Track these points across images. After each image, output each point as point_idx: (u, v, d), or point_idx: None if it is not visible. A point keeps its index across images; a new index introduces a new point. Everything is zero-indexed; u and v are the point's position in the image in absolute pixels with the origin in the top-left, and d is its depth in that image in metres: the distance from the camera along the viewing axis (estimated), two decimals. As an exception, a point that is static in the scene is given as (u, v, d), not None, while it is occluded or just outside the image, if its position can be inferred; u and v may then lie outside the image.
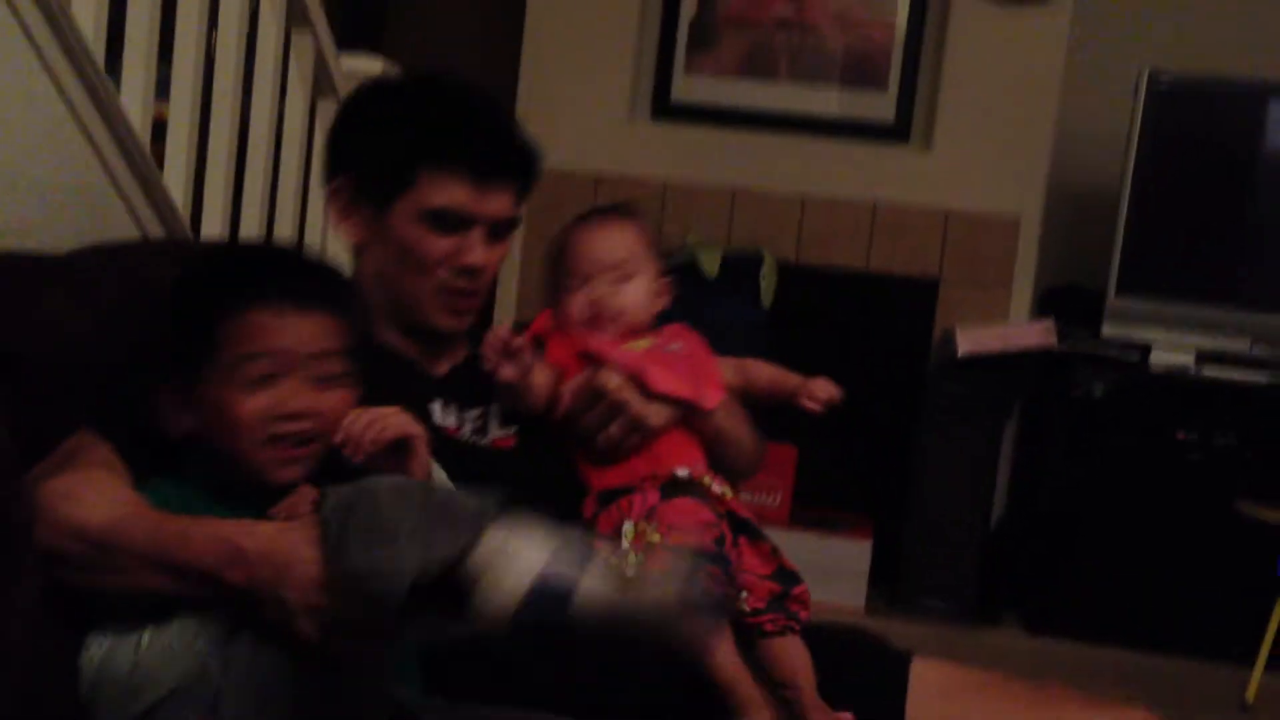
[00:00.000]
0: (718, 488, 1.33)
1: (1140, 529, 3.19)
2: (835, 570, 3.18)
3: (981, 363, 3.25)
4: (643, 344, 1.40)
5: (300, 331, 1.10)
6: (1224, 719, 2.78)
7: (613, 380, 1.33)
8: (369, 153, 1.40)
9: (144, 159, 1.70)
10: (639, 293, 1.41)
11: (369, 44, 2.90)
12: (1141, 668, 2.98)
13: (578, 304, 1.40)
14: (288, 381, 1.09)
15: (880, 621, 2.94)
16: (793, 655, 1.28)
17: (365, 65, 2.37)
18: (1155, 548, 3.18)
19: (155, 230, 1.75)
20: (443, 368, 1.44)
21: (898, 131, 3.48)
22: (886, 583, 3.27)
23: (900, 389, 3.46)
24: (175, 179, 1.87)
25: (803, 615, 1.30)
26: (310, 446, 1.11)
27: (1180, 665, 3.05)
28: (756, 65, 3.53)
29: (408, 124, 1.39)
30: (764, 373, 1.46)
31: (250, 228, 2.15)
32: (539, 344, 1.39)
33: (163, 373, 1.12)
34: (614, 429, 1.32)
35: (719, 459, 1.40)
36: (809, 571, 1.33)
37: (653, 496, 1.29)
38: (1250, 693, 2.83)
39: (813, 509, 3.35)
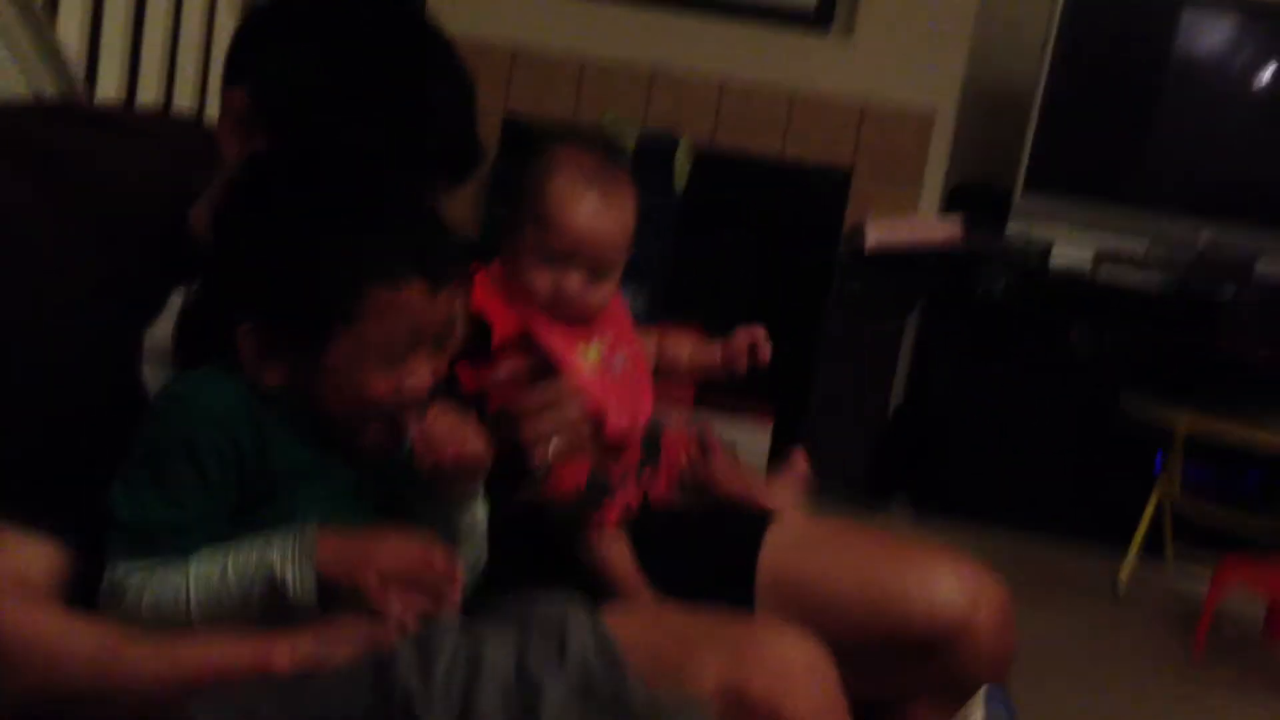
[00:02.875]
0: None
1: (1028, 422, 3.31)
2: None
3: (888, 257, 3.30)
4: (593, 354, 1.26)
5: (442, 308, 1.01)
6: (1097, 601, 2.94)
7: (575, 410, 1.20)
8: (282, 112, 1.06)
9: (35, 9, 1.64)
10: (612, 290, 1.28)
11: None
12: (1021, 551, 3.11)
13: (544, 284, 1.23)
14: (415, 357, 1.00)
15: (776, 504, 3.02)
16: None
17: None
18: (1041, 441, 3.30)
19: (48, 88, 1.69)
20: None
21: (819, 18, 3.46)
22: (785, 467, 3.36)
23: (809, 279, 3.51)
24: (69, 32, 1.80)
25: None
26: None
27: (1059, 551, 3.20)
28: (680, -57, 3.46)
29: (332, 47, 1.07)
30: (683, 350, 1.37)
31: (148, 92, 2.08)
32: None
33: (262, 319, 0.99)
34: (552, 452, 1.19)
35: None
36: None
37: None
38: (1122, 579, 2.98)
39: (716, 392, 3.40)
